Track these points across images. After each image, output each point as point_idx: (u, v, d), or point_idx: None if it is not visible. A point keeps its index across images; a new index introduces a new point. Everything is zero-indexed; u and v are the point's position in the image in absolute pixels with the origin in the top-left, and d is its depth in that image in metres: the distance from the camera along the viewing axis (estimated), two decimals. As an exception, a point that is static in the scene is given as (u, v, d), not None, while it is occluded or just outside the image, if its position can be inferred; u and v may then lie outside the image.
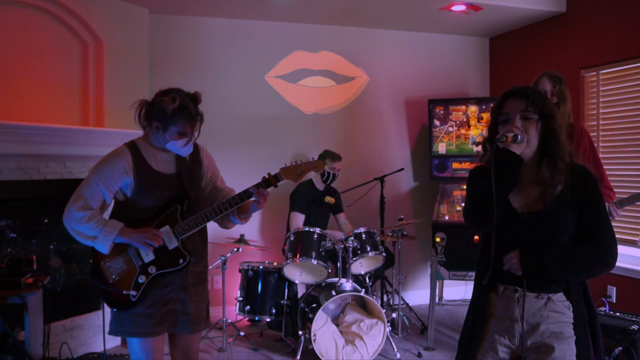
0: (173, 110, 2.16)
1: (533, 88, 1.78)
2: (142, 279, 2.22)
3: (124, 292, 2.21)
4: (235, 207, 2.27)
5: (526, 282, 1.71)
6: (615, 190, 3.22)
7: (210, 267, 2.60)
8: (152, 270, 2.23)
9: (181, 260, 2.25)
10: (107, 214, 2.33)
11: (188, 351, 2.42)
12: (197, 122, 2.24)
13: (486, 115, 4.94)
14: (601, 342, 1.76)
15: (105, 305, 2.25)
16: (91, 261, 2.27)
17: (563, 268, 1.68)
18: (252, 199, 2.28)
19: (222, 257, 4.02)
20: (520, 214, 1.76)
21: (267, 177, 2.28)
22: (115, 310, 2.26)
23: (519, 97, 1.74)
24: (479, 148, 4.91)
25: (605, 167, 4.19)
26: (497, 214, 1.68)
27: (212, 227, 2.47)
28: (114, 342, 4.12)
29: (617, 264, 4.24)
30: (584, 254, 1.70)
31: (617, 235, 4.40)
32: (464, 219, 1.84)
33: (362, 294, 3.77)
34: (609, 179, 3.21)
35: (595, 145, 4.31)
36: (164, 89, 2.25)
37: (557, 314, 1.71)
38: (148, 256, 2.23)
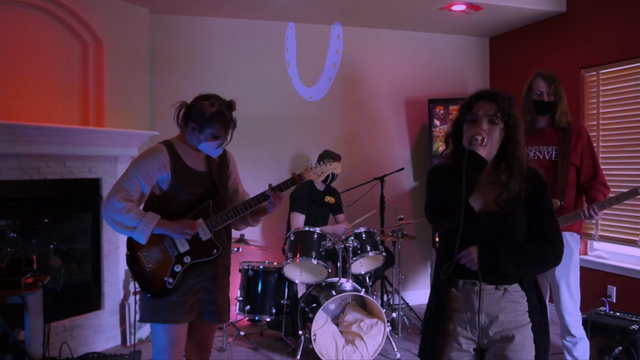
0: (211, 114, 2.35)
1: (503, 94, 1.82)
2: (177, 268, 2.37)
3: (162, 278, 2.35)
4: (259, 205, 2.46)
5: (482, 276, 1.79)
6: (614, 190, 3.22)
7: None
8: (187, 259, 2.38)
9: (215, 251, 2.41)
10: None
11: (204, 343, 2.55)
12: (230, 128, 2.43)
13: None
14: (549, 330, 1.91)
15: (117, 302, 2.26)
16: (127, 252, 2.41)
17: (517, 264, 1.80)
18: (269, 200, 2.46)
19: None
20: (478, 213, 1.83)
21: (292, 175, 2.49)
22: (149, 296, 2.38)
23: (490, 101, 1.79)
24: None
25: (605, 166, 4.21)
26: (462, 214, 1.78)
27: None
28: (114, 342, 4.13)
29: (617, 264, 4.27)
30: (536, 251, 1.81)
31: (617, 235, 4.41)
32: (426, 215, 1.89)
33: (362, 293, 3.77)
34: (608, 178, 3.21)
35: (595, 144, 4.32)
36: (203, 94, 2.42)
37: (513, 304, 1.82)
38: (183, 246, 2.38)
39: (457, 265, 1.81)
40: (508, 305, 1.81)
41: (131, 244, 2.39)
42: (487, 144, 1.76)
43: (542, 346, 1.83)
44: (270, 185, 2.47)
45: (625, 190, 2.76)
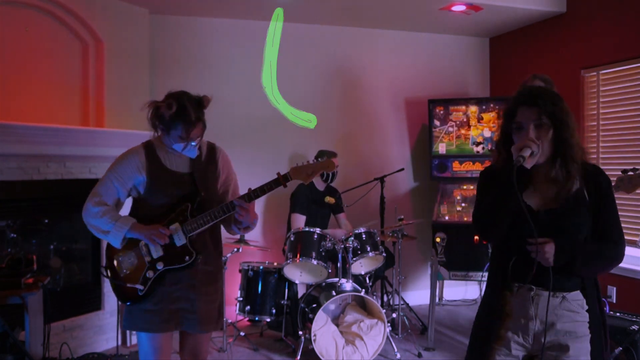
0: (170, 116, 2.21)
1: (544, 92, 1.76)
2: (149, 274, 2.27)
3: (132, 285, 2.27)
4: (231, 212, 2.28)
5: (538, 281, 1.73)
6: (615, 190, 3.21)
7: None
8: (160, 266, 2.27)
9: (187, 257, 2.27)
10: (125, 212, 2.38)
11: (196, 351, 2.45)
12: (195, 127, 2.24)
13: (486, 116, 4.94)
14: (609, 341, 1.82)
15: (117, 303, 2.20)
16: (106, 256, 2.35)
17: (588, 263, 1.73)
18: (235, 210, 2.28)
19: (223, 257, 4.01)
20: (537, 211, 1.77)
21: (277, 176, 2.27)
22: (127, 303, 2.31)
23: (532, 106, 1.72)
24: (479, 148, 4.92)
25: (605, 167, 4.21)
26: (504, 229, 1.76)
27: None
28: (113, 342, 4.12)
29: (617, 264, 4.21)
30: (605, 251, 1.77)
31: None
32: (474, 224, 1.86)
33: (362, 294, 3.77)
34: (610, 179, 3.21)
35: (595, 144, 4.32)
36: (170, 92, 2.28)
37: (571, 313, 1.74)
38: (157, 252, 2.28)
39: (512, 268, 1.76)
40: (565, 314, 1.73)
41: (109, 249, 2.34)
42: (537, 153, 1.71)
43: None
44: (249, 189, 2.30)
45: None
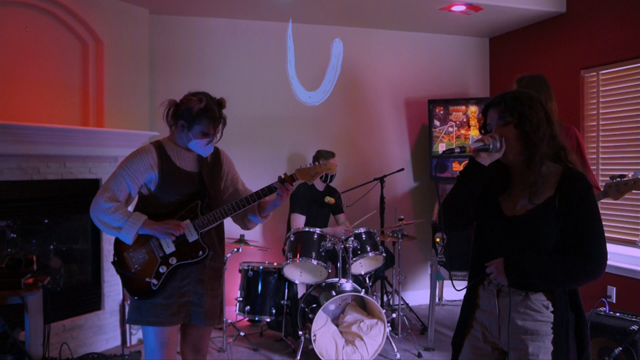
0: (199, 110, 2.30)
1: (509, 93, 1.80)
2: (163, 269, 2.34)
3: (146, 279, 2.32)
4: (253, 204, 2.40)
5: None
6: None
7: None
8: (173, 261, 2.35)
9: (200, 252, 2.36)
10: (131, 208, 2.42)
11: (198, 346, 2.52)
12: (219, 125, 2.37)
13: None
14: (589, 348, 1.77)
15: (118, 303, 2.20)
16: (114, 255, 2.40)
17: (546, 279, 1.69)
18: (275, 193, 2.40)
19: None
20: (506, 216, 1.79)
21: (282, 176, 2.39)
22: (136, 298, 2.36)
23: (495, 106, 1.79)
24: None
25: (605, 167, 4.22)
26: (452, 220, 1.83)
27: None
28: (113, 342, 4.13)
29: (617, 264, 4.26)
30: (568, 265, 1.68)
31: (616, 236, 4.37)
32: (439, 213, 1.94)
33: (362, 294, 3.77)
34: (607, 178, 3.21)
35: (595, 145, 4.32)
36: (192, 92, 2.38)
37: (533, 312, 1.73)
38: (169, 247, 2.35)
39: (484, 265, 1.80)
40: (527, 312, 1.73)
41: (118, 244, 2.38)
42: (497, 150, 1.73)
43: None
44: (258, 192, 2.44)
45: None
